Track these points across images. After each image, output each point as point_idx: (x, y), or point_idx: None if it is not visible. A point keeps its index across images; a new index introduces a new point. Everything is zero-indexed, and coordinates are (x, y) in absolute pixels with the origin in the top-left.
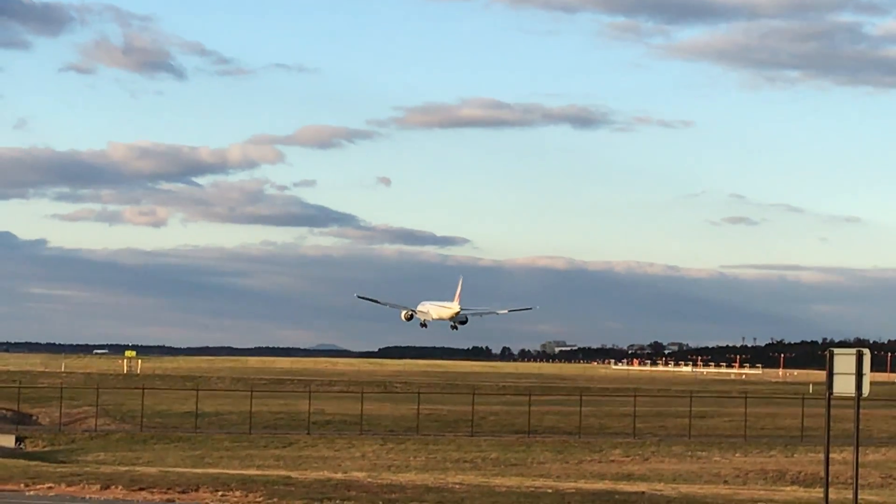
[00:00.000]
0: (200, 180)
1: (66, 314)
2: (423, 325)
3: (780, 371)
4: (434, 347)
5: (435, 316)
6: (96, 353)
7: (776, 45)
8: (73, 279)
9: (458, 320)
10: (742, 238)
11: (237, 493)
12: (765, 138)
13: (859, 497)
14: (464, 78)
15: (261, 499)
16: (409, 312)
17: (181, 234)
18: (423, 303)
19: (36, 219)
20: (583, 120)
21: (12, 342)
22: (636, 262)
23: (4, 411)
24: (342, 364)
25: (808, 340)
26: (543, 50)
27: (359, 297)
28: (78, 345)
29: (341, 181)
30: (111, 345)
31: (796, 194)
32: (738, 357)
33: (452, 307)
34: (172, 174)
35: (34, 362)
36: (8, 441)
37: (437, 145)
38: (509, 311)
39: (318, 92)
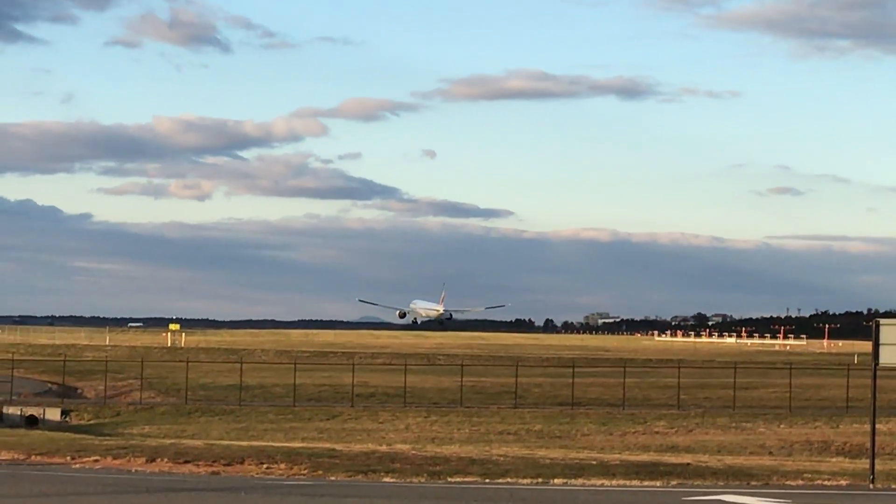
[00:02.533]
0: (245, 154)
1: (111, 288)
2: (415, 321)
3: (825, 342)
4: (477, 320)
5: (424, 315)
6: (131, 327)
7: (826, 13)
8: (117, 253)
9: (443, 318)
10: (788, 209)
11: (282, 466)
12: (812, 108)
13: None
14: (510, 49)
15: (305, 471)
16: (403, 311)
17: (225, 208)
18: (415, 301)
19: (82, 193)
20: (629, 91)
21: (57, 316)
22: (681, 234)
23: (50, 385)
24: (385, 337)
25: (854, 311)
26: (590, 20)
27: (360, 300)
28: (122, 318)
29: (386, 154)
30: (156, 318)
31: (843, 164)
32: (782, 328)
33: (438, 309)
34: (217, 147)
35: (79, 336)
36: (54, 414)
37: (483, 117)
38: (485, 308)
39: (362, 64)
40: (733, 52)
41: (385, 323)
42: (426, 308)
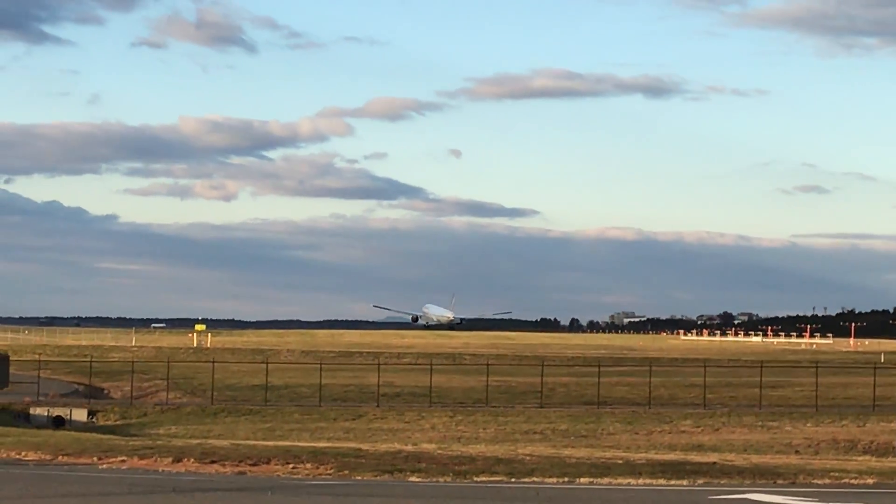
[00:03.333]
0: (271, 154)
1: (137, 289)
2: (427, 325)
3: (851, 340)
4: (502, 320)
5: (435, 319)
6: (154, 328)
7: (854, 11)
8: (143, 254)
9: (454, 323)
10: (814, 207)
11: (308, 466)
12: (839, 106)
13: None
14: (535, 48)
15: (331, 471)
16: (415, 316)
17: (251, 208)
18: (427, 305)
19: (108, 194)
20: (655, 90)
21: (83, 317)
22: (706, 233)
23: (77, 386)
24: (410, 337)
25: (880, 310)
26: (616, 19)
27: (375, 306)
28: (148, 318)
29: (411, 153)
30: (182, 319)
31: (869, 162)
32: (808, 327)
33: (449, 315)
34: (243, 148)
35: (105, 337)
36: (81, 415)
37: (508, 116)
38: (492, 315)
39: (388, 64)
40: (760, 49)
41: (410, 323)
42: (438, 313)
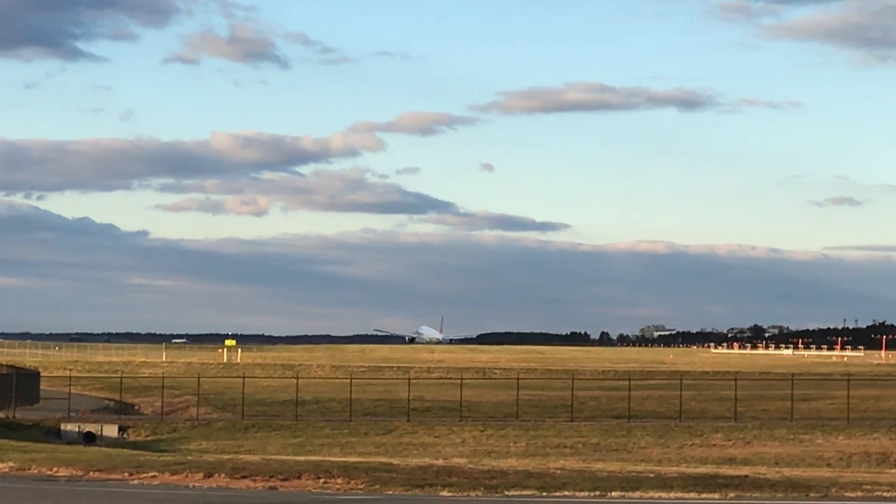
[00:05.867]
0: (302, 169)
1: (167, 304)
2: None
3: (883, 353)
4: (532, 333)
5: (427, 339)
6: (174, 343)
7: (890, 23)
8: (173, 269)
9: (442, 342)
10: (846, 219)
11: (339, 480)
12: (873, 118)
13: None
14: (568, 61)
15: (362, 485)
16: (411, 337)
17: (282, 223)
18: (422, 327)
19: (139, 210)
20: (689, 103)
21: (114, 333)
22: (738, 245)
23: (107, 401)
24: (440, 351)
25: None
26: (649, 32)
27: (375, 330)
28: (178, 334)
29: (443, 168)
30: (211, 334)
31: None
32: (839, 339)
33: (438, 336)
34: (275, 163)
35: (135, 352)
36: (112, 431)
37: (540, 130)
38: (477, 335)
39: (419, 78)
40: (794, 62)
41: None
42: (430, 335)
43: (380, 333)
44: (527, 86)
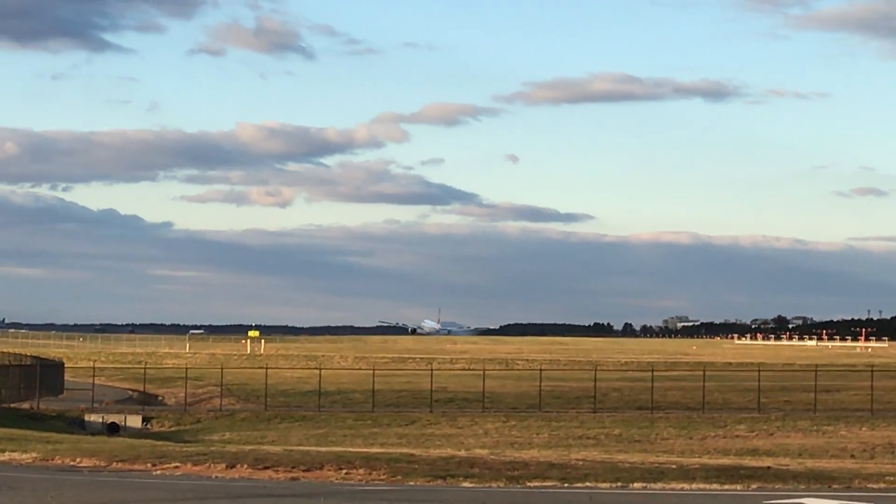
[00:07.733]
0: (327, 160)
1: (191, 295)
2: (420, 334)
3: None
4: (555, 324)
5: (427, 330)
6: (192, 334)
7: None
8: (197, 261)
9: (440, 332)
10: (871, 210)
11: (361, 471)
12: None
13: None
14: (593, 52)
15: (384, 476)
16: (413, 328)
17: (306, 214)
18: (425, 320)
19: (164, 201)
20: (715, 93)
21: (138, 324)
22: (762, 236)
23: (131, 392)
24: (463, 342)
25: None
26: (676, 22)
27: (380, 321)
28: (202, 325)
29: (467, 159)
30: (235, 325)
31: None
32: (863, 330)
33: (437, 326)
34: (299, 154)
35: (159, 343)
36: (135, 422)
37: (565, 121)
38: (474, 328)
39: (444, 69)
40: (822, 52)
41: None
42: (430, 325)
43: (385, 325)
44: (552, 76)
